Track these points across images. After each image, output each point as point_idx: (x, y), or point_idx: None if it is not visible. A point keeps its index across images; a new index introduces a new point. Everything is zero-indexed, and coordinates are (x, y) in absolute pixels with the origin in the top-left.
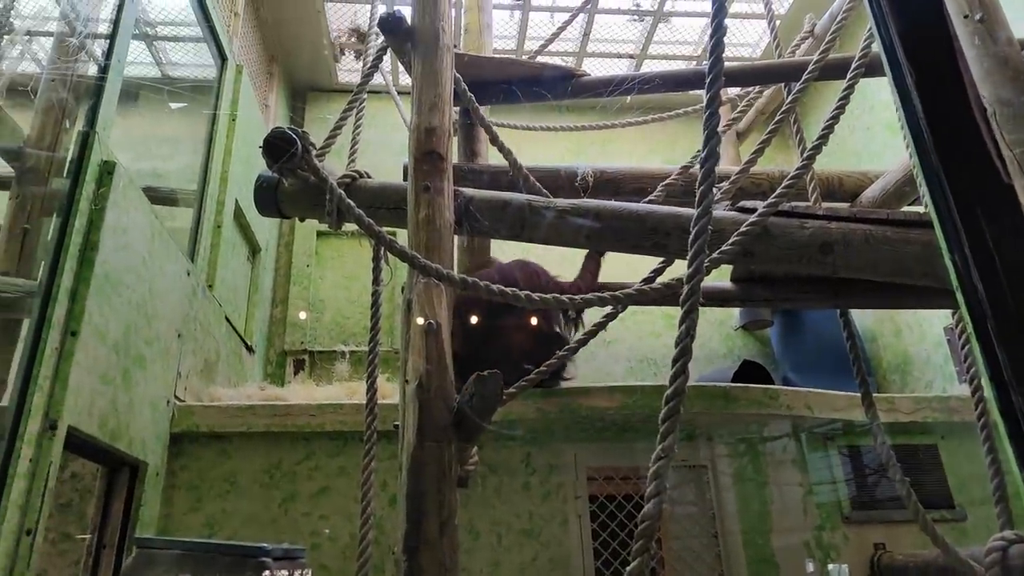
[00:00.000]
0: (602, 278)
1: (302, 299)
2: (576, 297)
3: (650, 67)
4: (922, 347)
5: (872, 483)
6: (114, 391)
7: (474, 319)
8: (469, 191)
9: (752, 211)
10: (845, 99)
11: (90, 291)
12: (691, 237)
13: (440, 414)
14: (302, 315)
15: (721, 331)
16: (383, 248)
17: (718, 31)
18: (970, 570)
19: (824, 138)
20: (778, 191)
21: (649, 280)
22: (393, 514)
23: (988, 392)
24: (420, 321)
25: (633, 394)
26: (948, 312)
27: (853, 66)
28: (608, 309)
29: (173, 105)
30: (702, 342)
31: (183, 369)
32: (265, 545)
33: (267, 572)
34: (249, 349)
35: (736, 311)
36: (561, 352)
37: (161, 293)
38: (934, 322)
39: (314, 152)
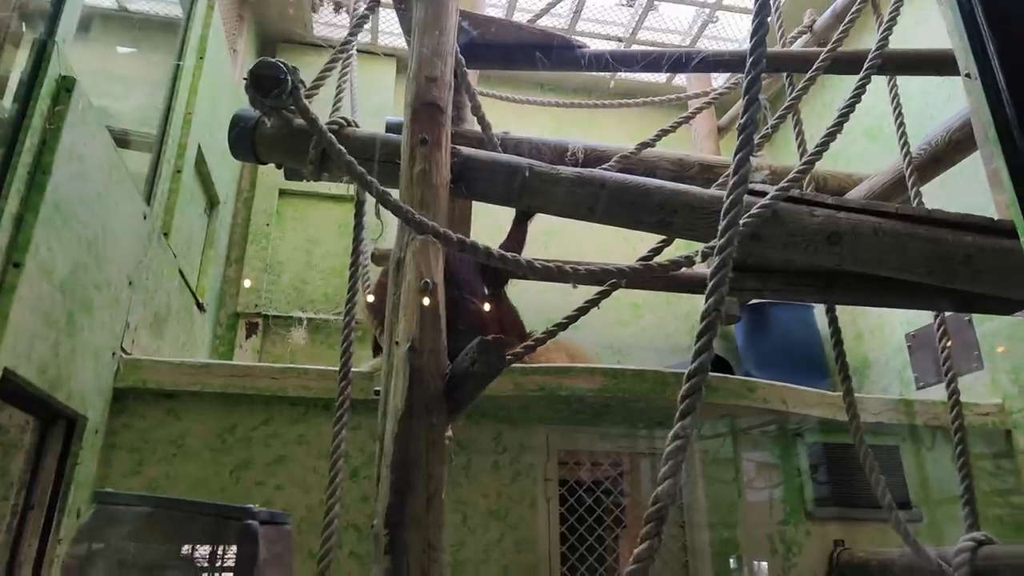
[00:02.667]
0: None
1: (259, 259)
2: (580, 268)
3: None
4: (882, 352)
5: (835, 481)
6: (57, 335)
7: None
8: (467, 150)
9: (763, 194)
10: (857, 95)
11: (38, 220)
12: (725, 207)
13: (433, 380)
14: (246, 283)
15: (687, 324)
16: (376, 202)
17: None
18: (938, 569)
19: (837, 128)
20: (789, 176)
21: (649, 258)
22: (355, 487)
23: None
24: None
25: (615, 377)
26: (911, 318)
27: (869, 59)
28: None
29: (136, 39)
30: (668, 333)
31: (132, 320)
32: (251, 506)
33: (255, 537)
34: (200, 307)
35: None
36: (553, 327)
37: (115, 234)
38: (896, 328)
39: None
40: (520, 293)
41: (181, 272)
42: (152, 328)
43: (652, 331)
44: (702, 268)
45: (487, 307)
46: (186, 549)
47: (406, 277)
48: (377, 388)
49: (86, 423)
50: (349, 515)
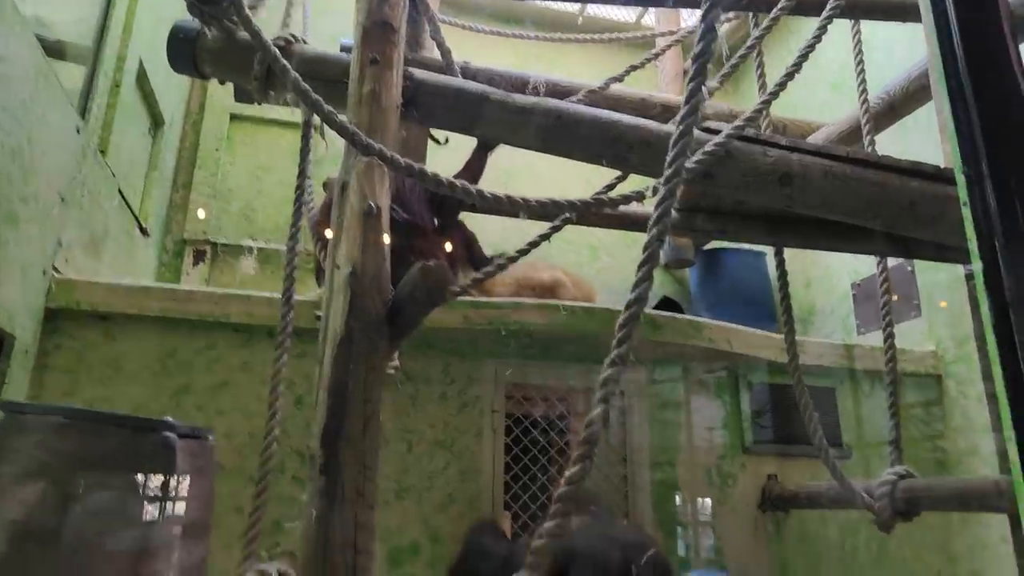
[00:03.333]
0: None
1: (208, 185)
2: (531, 201)
3: None
4: (828, 300)
5: (773, 420)
6: None
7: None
8: (420, 73)
9: (717, 132)
10: (819, 35)
11: None
12: (674, 137)
13: (373, 305)
14: (200, 213)
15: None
16: (322, 122)
17: None
18: (861, 500)
19: (796, 68)
20: (745, 115)
21: (602, 194)
22: (298, 415)
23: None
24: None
25: (566, 313)
26: (857, 268)
27: (832, 1)
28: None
29: None
30: (624, 276)
31: (65, 239)
32: (168, 418)
33: (172, 450)
34: (143, 231)
35: (664, 249)
36: (501, 260)
37: (43, 146)
38: (843, 278)
39: (246, 3)
40: (478, 232)
41: (121, 193)
42: (88, 249)
43: (608, 273)
44: (650, 205)
45: (443, 240)
46: (100, 460)
47: (350, 200)
48: (319, 313)
49: (14, 342)
50: (292, 441)
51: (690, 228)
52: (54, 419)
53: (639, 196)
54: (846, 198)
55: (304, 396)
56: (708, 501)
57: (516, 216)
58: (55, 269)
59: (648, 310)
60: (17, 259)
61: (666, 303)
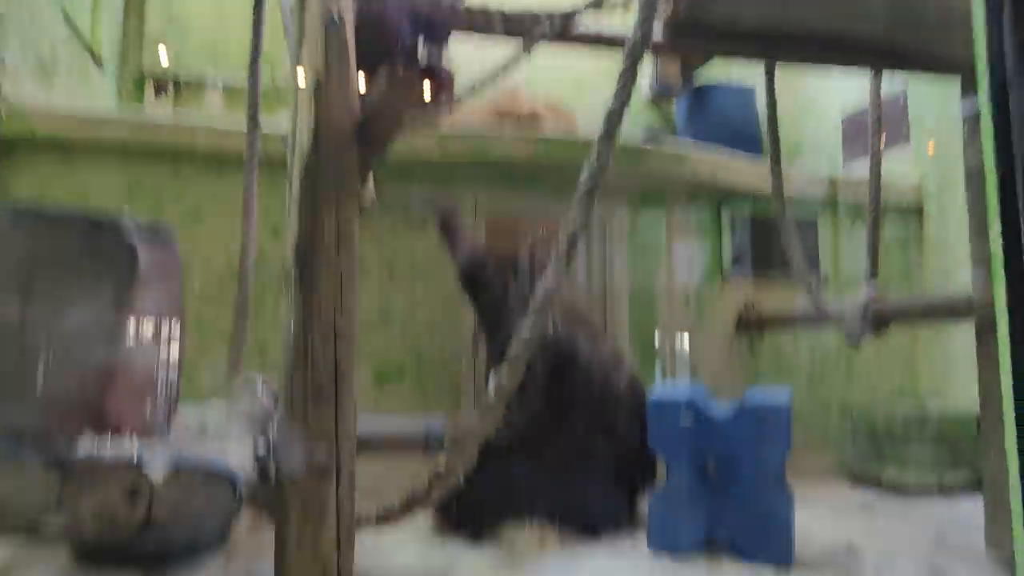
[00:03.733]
0: None
1: (162, 11)
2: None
3: None
4: (818, 132)
5: (752, 249)
6: None
7: None
8: None
9: None
10: None
11: None
12: None
13: (340, 117)
14: (162, 52)
15: (632, 105)
16: None
17: None
18: (834, 316)
19: None
20: None
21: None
22: (276, 245)
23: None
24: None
25: (547, 143)
26: (848, 103)
27: None
28: None
29: None
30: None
31: (6, 57)
32: (126, 217)
33: (132, 250)
34: (96, 61)
35: (646, 84)
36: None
37: None
38: (833, 113)
39: None
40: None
41: (66, 14)
42: (38, 77)
43: (594, 109)
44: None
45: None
46: (56, 258)
47: (310, 8)
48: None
49: None
50: (272, 269)
51: (679, 46)
52: (2, 215)
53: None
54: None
55: (280, 226)
56: (686, 325)
57: (491, 33)
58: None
59: (631, 143)
60: None
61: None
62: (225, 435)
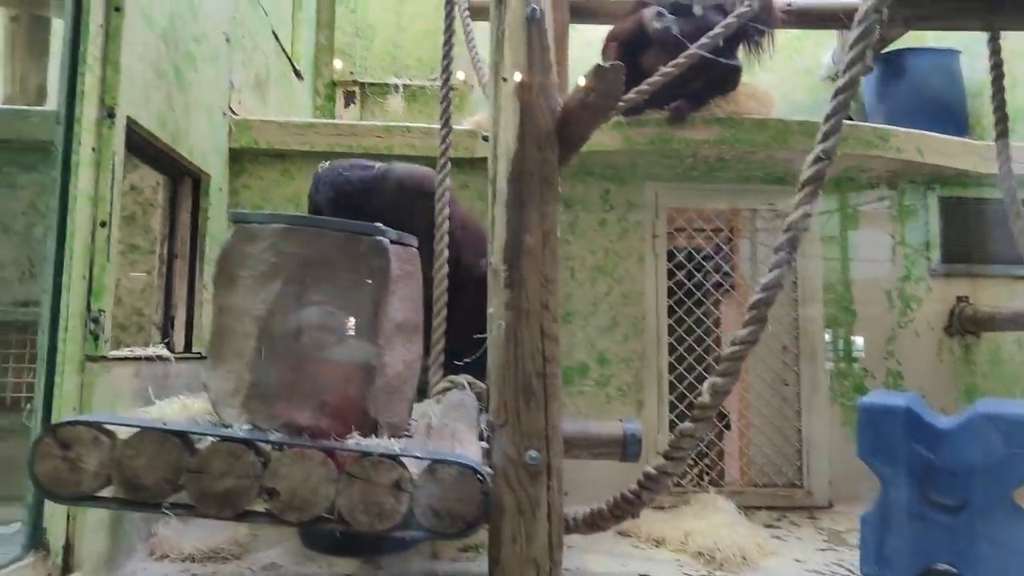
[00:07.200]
0: None
1: (349, 23)
2: None
3: None
4: None
5: (964, 237)
6: (168, 88)
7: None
8: None
9: None
10: None
11: None
12: None
13: (543, 117)
14: (337, 64)
15: (807, 81)
16: None
17: None
18: None
19: None
20: None
21: None
22: None
23: None
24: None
25: (733, 127)
26: None
27: None
28: None
29: None
30: (784, 92)
31: (235, 81)
32: (379, 224)
33: (386, 252)
34: (297, 74)
35: (825, 60)
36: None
37: None
38: None
39: None
40: None
41: (275, 34)
42: (255, 92)
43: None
44: None
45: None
46: (323, 261)
47: (509, 5)
48: (485, 134)
49: (210, 180)
50: None
51: (892, 21)
52: (279, 226)
53: None
54: None
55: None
56: (888, 326)
57: None
58: (231, 110)
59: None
60: (201, 100)
61: None
62: (453, 433)
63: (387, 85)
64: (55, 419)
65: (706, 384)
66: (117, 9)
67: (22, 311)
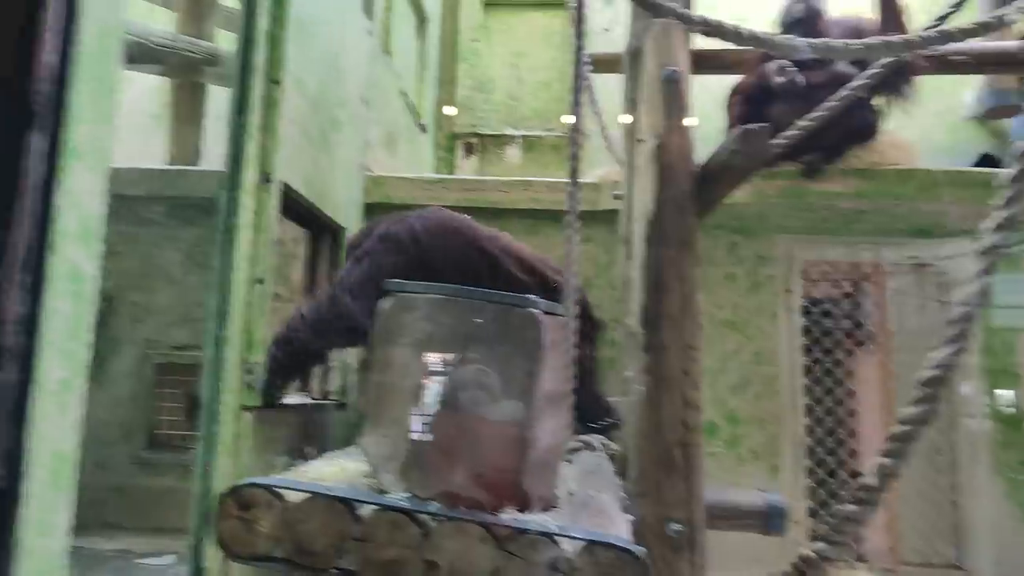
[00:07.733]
0: None
1: (470, 78)
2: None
3: None
4: None
5: None
6: (315, 151)
7: None
8: None
9: None
10: None
11: (287, 35)
12: None
13: (681, 178)
14: (451, 110)
15: (945, 121)
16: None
17: None
18: None
19: None
20: None
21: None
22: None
23: None
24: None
25: (873, 178)
26: None
27: None
28: None
29: None
30: (920, 133)
31: (371, 138)
32: (532, 296)
33: (538, 324)
34: (421, 128)
35: (968, 98)
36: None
37: (347, 50)
38: None
39: None
40: None
41: (403, 92)
42: (386, 148)
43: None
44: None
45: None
46: (477, 332)
47: (646, 67)
48: (616, 192)
49: (344, 232)
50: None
51: None
52: (435, 297)
53: (998, 22)
54: None
55: (592, 279)
56: None
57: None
58: (367, 168)
59: (968, 167)
60: (341, 159)
61: (986, 161)
62: (601, 507)
63: (505, 136)
64: (214, 466)
65: (873, 465)
66: (276, 82)
67: (177, 354)
